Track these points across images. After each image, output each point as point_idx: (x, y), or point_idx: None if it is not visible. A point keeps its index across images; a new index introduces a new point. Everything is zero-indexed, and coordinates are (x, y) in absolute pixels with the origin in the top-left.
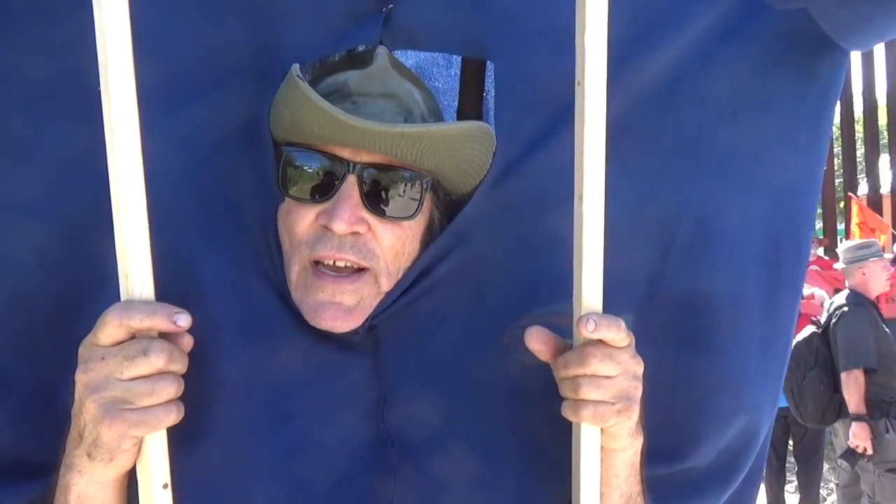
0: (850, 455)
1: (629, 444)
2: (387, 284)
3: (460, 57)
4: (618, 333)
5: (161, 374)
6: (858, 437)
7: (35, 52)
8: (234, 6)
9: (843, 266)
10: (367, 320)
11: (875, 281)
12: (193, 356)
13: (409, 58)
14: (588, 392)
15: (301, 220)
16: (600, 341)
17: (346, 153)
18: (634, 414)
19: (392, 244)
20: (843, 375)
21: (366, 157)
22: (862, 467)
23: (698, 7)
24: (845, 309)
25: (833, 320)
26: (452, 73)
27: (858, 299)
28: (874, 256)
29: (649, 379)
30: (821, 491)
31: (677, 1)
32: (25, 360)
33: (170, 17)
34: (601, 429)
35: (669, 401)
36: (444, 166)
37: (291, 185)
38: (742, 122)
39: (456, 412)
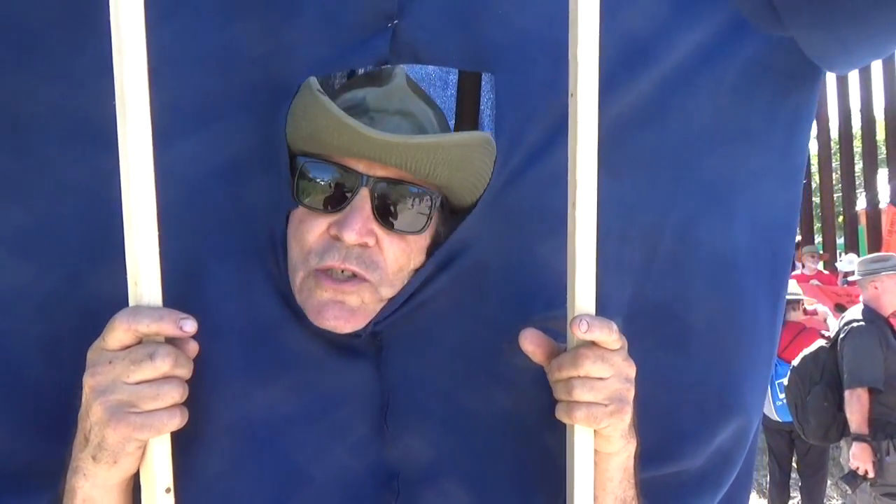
0: (852, 477)
1: (622, 448)
2: (388, 293)
3: (457, 77)
4: (610, 335)
5: (166, 379)
6: (859, 458)
7: (62, 81)
8: (245, 25)
9: (858, 279)
10: (369, 324)
11: (888, 296)
12: (197, 361)
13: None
14: (581, 393)
15: (312, 230)
16: (593, 344)
17: (360, 166)
18: (627, 416)
19: (396, 257)
20: (847, 393)
21: (379, 171)
22: (861, 488)
23: (684, 29)
24: (854, 325)
25: (841, 335)
26: (449, 92)
27: (871, 315)
28: (889, 270)
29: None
30: None
31: (664, 23)
32: (52, 368)
33: (184, 34)
34: (595, 431)
35: (652, 401)
36: (454, 179)
37: (306, 195)
38: (720, 137)
39: (457, 416)
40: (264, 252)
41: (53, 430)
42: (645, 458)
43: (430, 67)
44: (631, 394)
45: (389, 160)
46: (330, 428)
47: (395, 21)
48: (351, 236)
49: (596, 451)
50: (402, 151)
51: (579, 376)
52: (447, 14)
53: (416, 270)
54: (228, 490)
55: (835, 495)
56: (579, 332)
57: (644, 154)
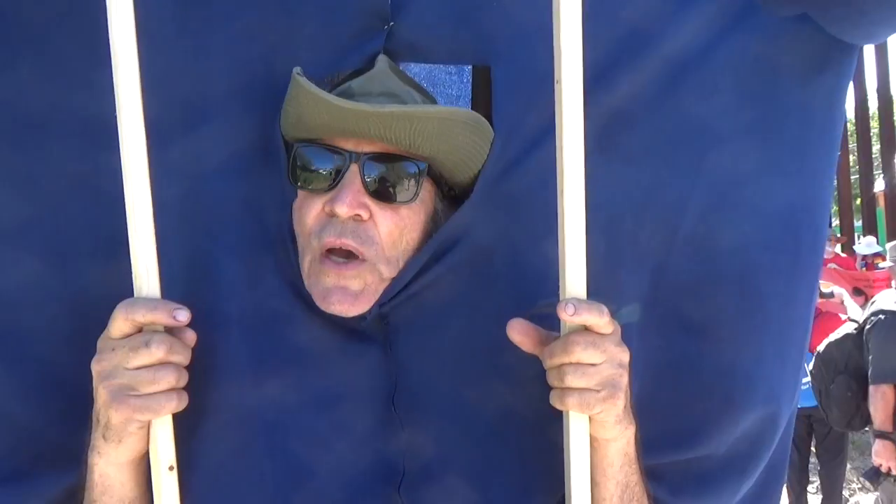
0: (874, 474)
1: (619, 433)
2: (387, 272)
3: (470, 66)
4: (600, 318)
5: (163, 364)
6: (881, 455)
7: (84, 93)
8: (248, 33)
9: (890, 265)
10: (373, 306)
11: None
12: (207, 347)
13: (421, 69)
14: (573, 380)
15: (310, 211)
16: (585, 329)
17: (349, 145)
18: (620, 401)
19: (390, 230)
20: (871, 389)
21: (367, 147)
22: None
23: (686, 13)
24: (882, 317)
25: (867, 326)
26: (465, 79)
27: None
28: None
29: (656, 365)
30: (843, 492)
31: (664, 7)
32: (80, 361)
33: (192, 43)
34: (590, 418)
35: (676, 386)
36: (439, 152)
37: (300, 178)
38: (745, 120)
39: (464, 398)
40: (274, 245)
41: (81, 416)
42: (666, 443)
43: None
44: (624, 379)
45: (369, 131)
46: (335, 420)
47: (391, 23)
48: (343, 209)
49: (594, 437)
50: (378, 121)
51: (571, 363)
52: (440, 10)
53: (415, 250)
54: (232, 478)
55: (854, 480)
56: (565, 315)
57: (659, 138)
